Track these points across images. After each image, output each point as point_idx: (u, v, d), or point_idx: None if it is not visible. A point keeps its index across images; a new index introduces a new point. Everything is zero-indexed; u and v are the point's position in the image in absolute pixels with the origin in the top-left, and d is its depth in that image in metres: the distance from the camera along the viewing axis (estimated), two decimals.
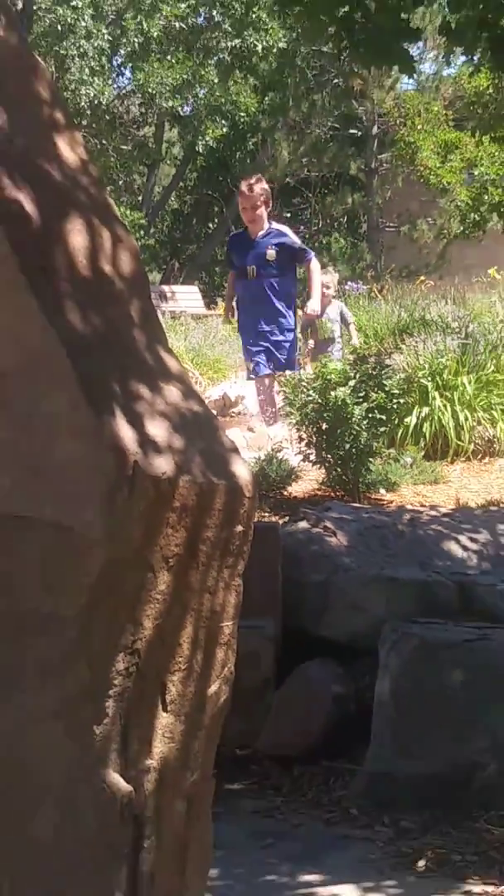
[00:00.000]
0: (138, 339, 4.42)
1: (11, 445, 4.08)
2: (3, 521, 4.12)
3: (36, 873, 4.20)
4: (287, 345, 13.26)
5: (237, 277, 14.14)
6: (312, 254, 13.91)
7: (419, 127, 22.15)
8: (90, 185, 4.51)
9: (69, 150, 4.51)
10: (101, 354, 4.18)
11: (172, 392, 4.38)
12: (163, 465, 4.10)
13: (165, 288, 29.82)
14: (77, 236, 4.29)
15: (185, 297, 25.03)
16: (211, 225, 24.21)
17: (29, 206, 4.13)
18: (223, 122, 22.86)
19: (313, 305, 13.53)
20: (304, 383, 9.04)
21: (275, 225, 13.75)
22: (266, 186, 13.25)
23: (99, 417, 4.01)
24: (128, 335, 4.38)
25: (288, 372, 12.33)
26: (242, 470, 4.48)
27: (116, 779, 4.13)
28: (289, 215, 26.11)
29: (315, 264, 14.08)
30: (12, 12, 4.62)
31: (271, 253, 13.13)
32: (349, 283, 21.37)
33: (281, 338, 13.08)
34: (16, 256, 4.04)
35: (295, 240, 13.53)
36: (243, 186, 13.61)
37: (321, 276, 15.11)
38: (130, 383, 4.22)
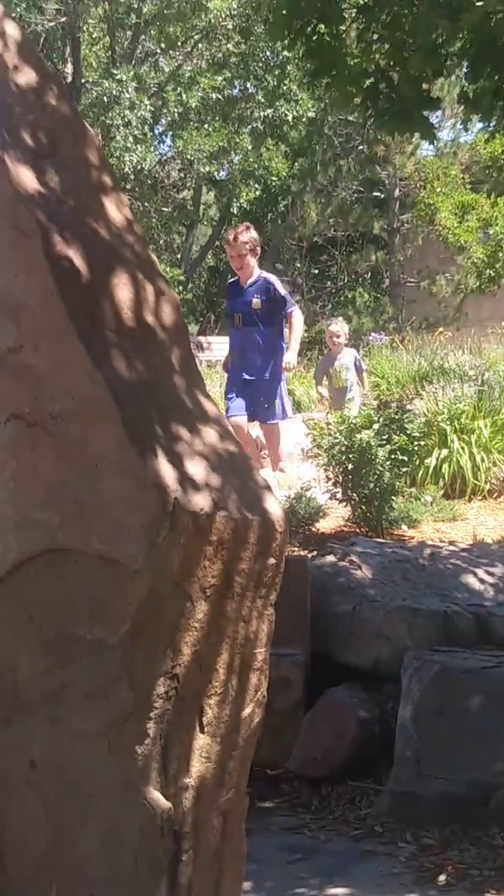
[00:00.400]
0: (179, 384, 4.45)
1: (61, 484, 4.12)
2: (53, 555, 4.16)
3: (81, 883, 4.21)
4: (270, 395, 12.58)
5: (230, 325, 13.69)
6: (295, 306, 13.41)
7: (438, 189, 22.18)
8: (135, 242, 4.55)
9: (116, 210, 4.55)
10: (144, 399, 4.21)
11: (210, 434, 4.41)
12: (201, 501, 4.12)
13: (202, 339, 29.88)
14: (123, 289, 4.33)
15: (220, 347, 25.10)
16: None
17: (78, 262, 4.17)
18: (256, 185, 22.89)
19: (289, 358, 12.85)
20: (330, 427, 9.10)
21: (263, 274, 13.21)
22: (254, 235, 13.02)
23: (142, 457, 4.04)
24: (169, 381, 4.41)
25: (275, 421, 12.48)
26: (275, 506, 4.49)
27: (157, 795, 4.14)
28: (316, 271, 26.12)
29: (297, 316, 13.17)
30: (63, 84, 4.68)
31: (256, 302, 12.68)
32: (372, 333, 21.39)
33: (264, 388, 12.52)
34: (66, 307, 4.08)
35: (280, 290, 12.90)
36: (229, 236, 13.22)
37: (335, 326, 15.55)
38: (171, 425, 4.25)
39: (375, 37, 5.95)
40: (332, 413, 11.65)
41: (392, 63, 5.89)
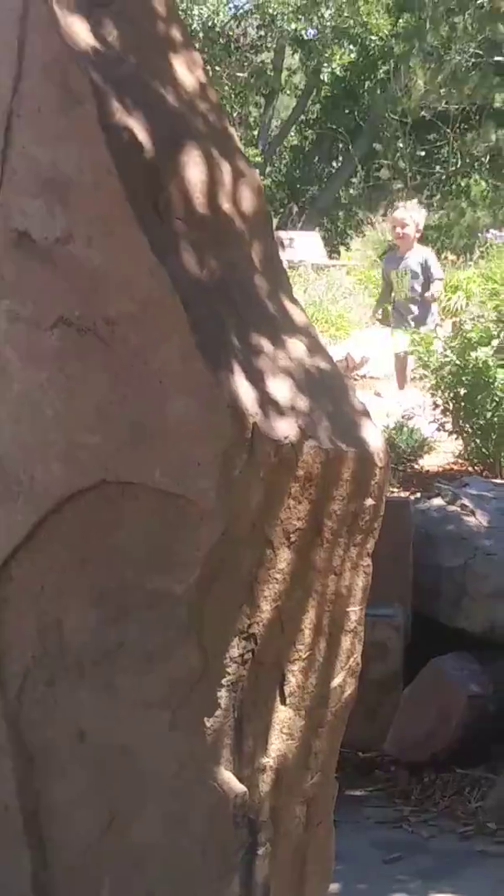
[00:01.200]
0: (260, 285, 4.37)
1: (116, 404, 4.07)
2: (107, 488, 4.13)
3: (138, 878, 4.21)
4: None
5: None
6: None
7: None
8: (209, 111, 4.45)
9: (187, 71, 4.46)
10: (218, 302, 4.13)
11: (297, 346, 4.33)
12: (285, 428, 4.05)
13: (283, 234, 29.58)
14: (194, 169, 4.24)
15: (304, 245, 24.99)
16: (335, 164, 24.03)
17: (141, 135, 4.09)
18: (351, 46, 22.67)
19: None
20: (441, 343, 8.97)
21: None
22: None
23: (215, 373, 3.97)
24: (248, 281, 4.33)
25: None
26: (374, 436, 4.42)
27: (229, 777, 4.11)
28: (423, 153, 25.76)
29: None
30: None
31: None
32: (490, 231, 21.17)
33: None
34: (125, 189, 4.01)
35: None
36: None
37: (402, 213, 14.49)
38: (250, 335, 4.17)
39: None
40: (393, 332, 11.51)
41: None
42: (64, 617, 4.23)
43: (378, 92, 24.41)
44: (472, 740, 6.27)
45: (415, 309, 12.65)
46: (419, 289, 12.95)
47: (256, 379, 4.07)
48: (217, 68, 24.25)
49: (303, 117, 24.07)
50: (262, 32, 21.61)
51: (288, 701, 4.28)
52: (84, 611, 4.20)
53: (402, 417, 8.94)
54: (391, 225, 14.26)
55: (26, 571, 4.28)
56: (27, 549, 4.25)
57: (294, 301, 4.57)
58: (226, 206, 4.35)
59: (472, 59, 24.55)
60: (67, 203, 4.10)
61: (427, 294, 12.87)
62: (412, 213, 13.70)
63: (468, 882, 5.38)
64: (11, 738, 4.31)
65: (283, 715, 4.27)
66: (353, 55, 22.82)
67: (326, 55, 22.80)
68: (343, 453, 4.23)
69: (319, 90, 23.51)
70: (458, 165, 25.20)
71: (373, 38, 22.02)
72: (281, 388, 4.12)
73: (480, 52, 24.29)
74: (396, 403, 10.01)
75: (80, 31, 4.13)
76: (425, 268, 13.04)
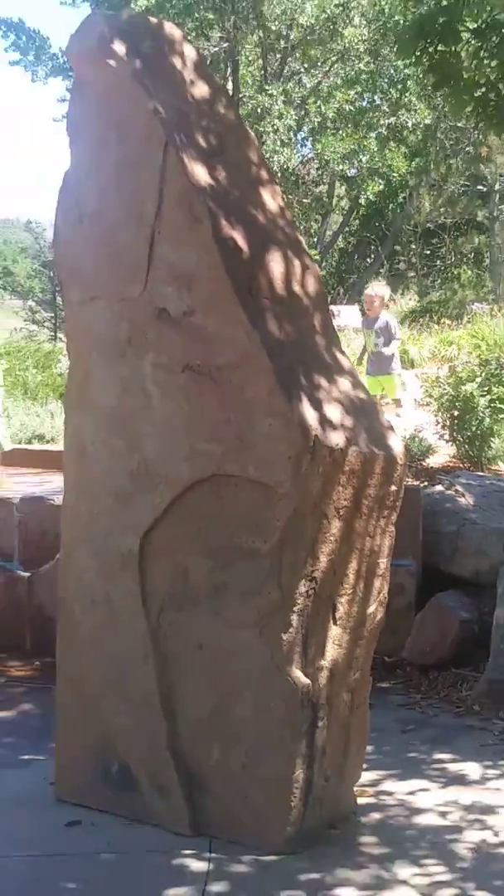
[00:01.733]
0: (319, 343, 4.46)
1: (224, 422, 4.16)
2: (217, 479, 4.22)
3: (237, 743, 4.28)
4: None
5: None
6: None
7: None
8: (286, 225, 4.56)
9: (271, 199, 4.55)
10: (291, 354, 4.22)
11: (344, 383, 4.41)
12: (337, 438, 4.13)
13: (333, 308, 29.51)
14: (275, 264, 4.34)
15: (347, 315, 24.75)
16: (368, 260, 24.02)
17: (240, 242, 4.19)
18: (380, 180, 22.54)
19: None
20: (440, 380, 9.04)
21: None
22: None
23: (289, 402, 4.06)
24: (311, 340, 4.42)
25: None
26: (397, 444, 4.49)
27: (299, 674, 4.19)
28: (428, 252, 25.64)
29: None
30: (230, 96, 4.68)
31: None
32: (475, 304, 21.05)
33: None
34: (230, 279, 4.11)
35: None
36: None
37: (370, 290, 13.18)
38: (313, 376, 4.27)
39: (486, 55, 5.86)
40: (365, 377, 11.11)
41: (500, 76, 5.81)
42: (188, 566, 4.33)
43: (398, 211, 24.34)
44: (462, 650, 6.29)
45: (380, 362, 11.66)
46: (381, 345, 11.89)
47: (317, 406, 4.15)
48: (289, 196, 24.15)
49: (347, 229, 24.06)
50: (320, 172, 21.61)
51: (338, 623, 4.36)
52: (201, 562, 4.30)
53: (415, 430, 8.92)
54: (365, 299, 12.93)
55: (162, 536, 4.37)
56: (163, 521, 4.34)
57: (342, 353, 4.63)
58: (297, 288, 4.44)
59: (462, 188, 24.49)
60: (191, 289, 4.20)
61: (385, 349, 11.79)
62: (378, 290, 12.72)
63: (460, 746, 5.40)
64: (153, 647, 4.39)
65: (335, 632, 4.35)
66: (381, 186, 22.72)
67: (363, 187, 22.70)
68: (376, 455, 4.30)
69: (358, 210, 23.45)
70: (452, 260, 25.05)
71: (395, 175, 21.98)
72: (333, 412, 4.21)
73: (468, 183, 24.25)
74: (410, 421, 9.96)
75: (200, 172, 4.22)
76: (386, 329, 11.94)
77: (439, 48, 5.71)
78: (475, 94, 5.77)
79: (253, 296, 4.19)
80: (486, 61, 5.81)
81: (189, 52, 4.61)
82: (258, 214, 4.40)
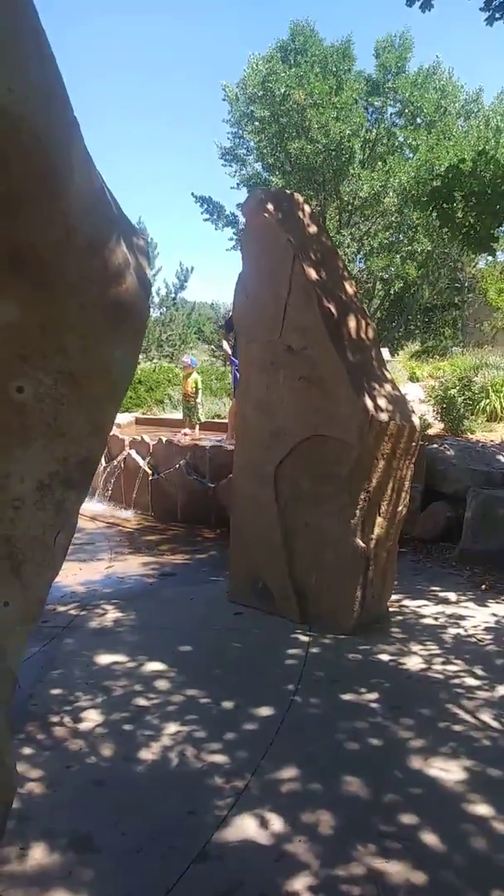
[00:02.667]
0: (374, 365, 4.36)
1: (323, 407, 4.11)
2: (317, 437, 4.15)
3: (326, 575, 4.26)
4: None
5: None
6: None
7: (488, 282, 20.97)
8: (356, 301, 4.44)
9: (349, 287, 4.44)
10: (359, 371, 4.14)
11: (388, 387, 4.31)
12: (384, 417, 4.05)
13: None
14: (351, 321, 4.25)
15: (384, 353, 24.24)
16: (393, 324, 23.35)
17: (333, 309, 4.12)
18: (400, 281, 21.86)
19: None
20: (440, 388, 8.82)
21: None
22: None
23: (359, 397, 4.00)
24: (370, 363, 4.32)
25: None
26: (416, 420, 4.39)
27: (359, 541, 4.14)
28: (427, 320, 24.79)
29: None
30: (318, 220, 4.56)
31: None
32: (453, 348, 20.35)
33: None
34: (326, 329, 4.05)
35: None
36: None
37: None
38: (371, 383, 4.18)
39: (469, 209, 5.62)
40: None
41: (476, 222, 5.57)
42: (300, 481, 4.30)
43: (411, 298, 23.51)
44: (447, 532, 6.13)
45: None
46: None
47: (373, 399, 4.07)
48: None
49: (382, 307, 23.16)
50: (369, 276, 20.86)
51: (381, 515, 4.28)
52: (307, 479, 4.26)
53: (421, 415, 8.64)
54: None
55: (285, 466, 4.34)
56: (287, 459, 4.31)
57: (386, 370, 4.52)
58: (362, 335, 4.34)
59: (447, 285, 23.49)
60: (305, 335, 4.14)
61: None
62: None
63: (445, 583, 5.25)
64: (280, 523, 4.39)
65: (379, 521, 4.28)
66: (401, 284, 22.02)
67: (392, 284, 22.01)
68: (405, 426, 4.20)
69: (388, 298, 22.77)
70: (440, 324, 24.22)
71: (409, 277, 21.26)
72: (382, 402, 4.12)
73: (450, 282, 23.26)
74: (418, 410, 9.67)
75: (311, 273, 4.14)
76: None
77: (444, 205, 5.50)
78: (463, 231, 5.56)
79: (339, 339, 4.12)
80: (468, 213, 5.58)
81: (306, 209, 4.52)
82: (342, 295, 4.31)
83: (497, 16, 5.05)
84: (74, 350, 1.38)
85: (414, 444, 4.35)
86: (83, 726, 3.07)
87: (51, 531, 1.40)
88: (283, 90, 18.72)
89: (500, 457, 6.80)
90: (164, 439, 7.80)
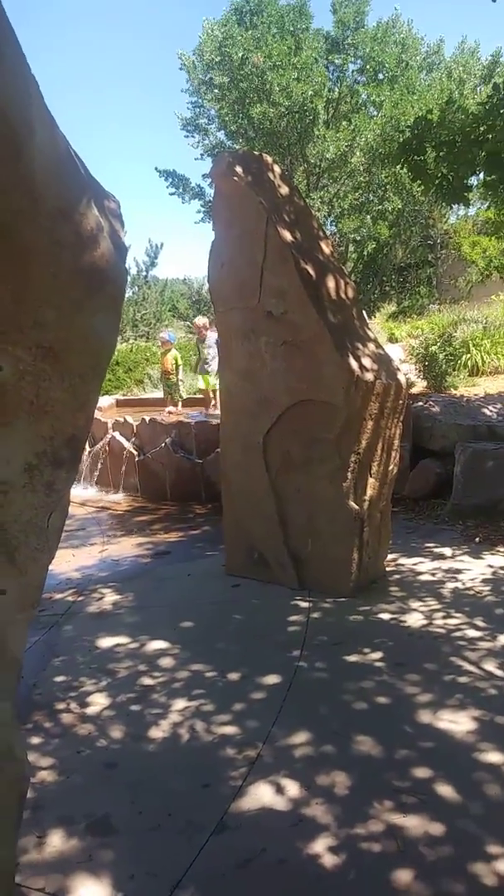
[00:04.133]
0: (357, 324, 4.29)
1: (305, 371, 4.04)
2: (304, 402, 4.09)
3: (321, 539, 4.24)
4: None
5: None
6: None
7: (462, 236, 20.83)
8: (335, 261, 4.35)
9: (326, 247, 4.35)
10: (341, 331, 4.07)
11: (371, 346, 4.25)
12: (370, 376, 4.00)
13: None
14: (330, 282, 4.17)
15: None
16: (368, 286, 22.95)
17: (311, 271, 4.03)
18: (373, 242, 21.58)
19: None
20: (420, 346, 8.77)
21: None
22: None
23: (343, 357, 3.93)
24: (352, 323, 4.25)
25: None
26: (402, 378, 4.33)
27: (352, 503, 4.12)
28: (401, 280, 24.61)
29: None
30: (300, 193, 4.46)
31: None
32: (430, 305, 20.26)
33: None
34: (306, 292, 3.96)
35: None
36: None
37: (198, 320, 9.59)
38: (355, 343, 4.12)
39: (440, 160, 5.51)
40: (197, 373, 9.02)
41: (449, 172, 5.47)
42: (289, 449, 4.25)
43: (384, 258, 23.25)
44: (438, 489, 6.09)
45: (205, 365, 8.70)
46: (206, 353, 8.75)
47: (357, 358, 4.01)
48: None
49: (355, 269, 22.82)
50: (341, 239, 20.48)
51: (372, 476, 4.26)
52: (296, 446, 4.21)
53: (404, 373, 8.58)
54: (195, 327, 9.77)
55: (274, 433, 4.28)
56: (275, 426, 4.26)
57: (369, 329, 4.45)
58: (342, 295, 4.26)
59: (419, 242, 23.33)
60: (284, 299, 4.06)
61: (209, 357, 8.64)
62: (202, 321, 9.37)
63: (439, 539, 5.27)
64: (272, 490, 4.35)
65: (371, 482, 4.26)
66: (374, 245, 21.76)
67: (364, 245, 21.75)
68: (391, 384, 4.16)
69: (361, 259, 22.43)
70: (415, 283, 24.05)
71: (381, 237, 20.97)
72: (367, 361, 4.06)
73: (422, 239, 23.07)
74: (403, 370, 9.59)
75: (286, 234, 4.04)
76: (209, 344, 8.59)
77: (414, 157, 5.39)
78: (435, 182, 5.45)
79: (319, 301, 4.04)
80: (440, 164, 5.47)
81: (276, 169, 4.40)
82: (319, 255, 4.22)
83: None
84: (51, 322, 1.31)
85: (401, 402, 4.30)
86: (90, 710, 3.04)
87: (43, 513, 1.34)
88: (240, 54, 18.25)
89: (485, 410, 6.80)
90: (147, 419, 7.70)
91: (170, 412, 8.72)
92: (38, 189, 1.31)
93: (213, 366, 8.49)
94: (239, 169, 4.19)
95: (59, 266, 1.31)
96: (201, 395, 9.06)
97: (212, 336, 8.86)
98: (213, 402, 8.48)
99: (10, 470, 1.30)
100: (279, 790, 2.48)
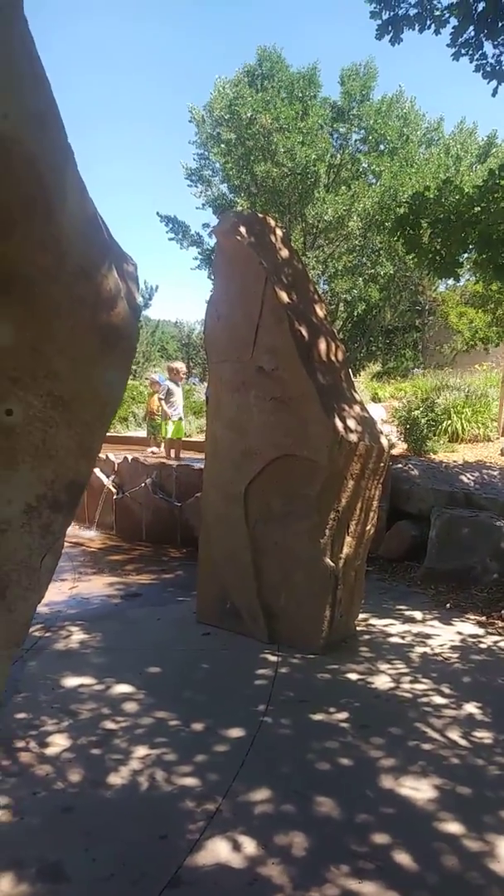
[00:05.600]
0: (344, 386, 4.42)
1: (291, 428, 4.15)
2: (287, 458, 4.18)
3: (295, 595, 4.28)
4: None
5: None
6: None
7: (448, 306, 21.46)
8: (327, 324, 4.51)
9: (320, 310, 4.51)
10: (329, 392, 4.20)
11: (357, 408, 4.37)
12: (353, 437, 4.12)
13: None
14: (322, 343, 4.32)
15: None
16: (355, 345, 23.29)
17: (304, 332, 4.18)
18: (363, 304, 22.11)
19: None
20: (403, 409, 8.98)
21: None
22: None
23: (329, 417, 4.05)
24: (340, 385, 4.38)
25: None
26: (384, 441, 4.45)
27: (328, 561, 4.18)
28: (388, 342, 25.22)
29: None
30: (290, 244, 4.63)
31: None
32: (414, 369, 20.75)
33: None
34: (297, 351, 4.10)
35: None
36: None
37: (174, 364, 8.81)
38: (341, 404, 4.24)
39: (435, 236, 5.78)
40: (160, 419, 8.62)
41: (442, 248, 5.73)
42: (270, 501, 4.32)
43: (373, 319, 23.87)
44: (412, 552, 6.20)
45: (171, 409, 8.33)
46: (172, 400, 8.40)
47: (342, 420, 4.13)
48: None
49: (345, 329, 23.24)
50: (333, 298, 20.95)
51: (349, 534, 4.33)
52: (277, 499, 4.28)
53: (386, 435, 8.78)
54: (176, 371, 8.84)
55: (256, 485, 4.34)
56: (258, 478, 4.33)
57: (356, 392, 4.58)
58: (332, 357, 4.40)
59: (408, 307, 24.03)
60: (276, 356, 4.19)
61: (174, 400, 8.47)
62: (178, 364, 8.78)
63: (411, 602, 5.30)
64: (250, 543, 4.39)
65: (347, 540, 4.33)
66: (364, 306, 22.36)
67: (355, 306, 22.32)
68: (373, 447, 4.27)
69: (351, 319, 22.92)
70: (401, 346, 24.64)
71: (371, 299, 21.54)
72: (351, 423, 4.18)
73: (411, 305, 23.78)
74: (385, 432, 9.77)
75: (283, 296, 4.19)
76: (175, 391, 8.50)
77: (410, 231, 5.65)
78: (429, 256, 5.71)
79: (310, 361, 4.18)
80: (434, 239, 5.74)
81: (279, 232, 4.60)
82: (313, 318, 4.37)
83: (462, 52, 5.24)
84: (65, 373, 1.39)
85: (382, 464, 4.41)
86: (50, 751, 3.01)
87: (37, 554, 1.40)
88: (249, 114, 19.02)
89: (463, 477, 6.96)
90: (129, 457, 7.74)
91: (153, 452, 8.77)
92: (63, 249, 1.41)
93: (179, 411, 8.32)
94: (243, 229, 4.37)
95: (77, 322, 1.40)
96: (195, 439, 9.03)
97: (180, 389, 8.63)
98: (160, 450, 8.31)
99: (10, 510, 1.36)
100: (236, 847, 2.46)
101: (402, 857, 2.43)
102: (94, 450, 1.45)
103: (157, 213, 23.29)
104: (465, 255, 5.92)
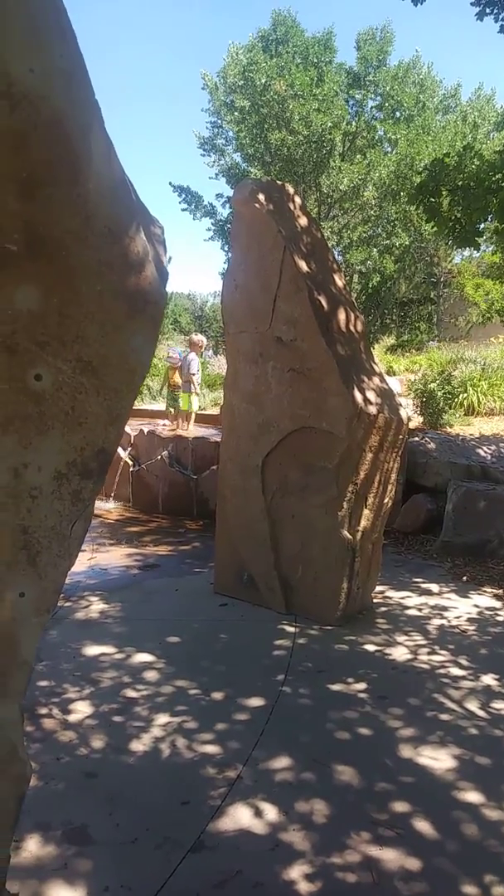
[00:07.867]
0: (364, 357, 4.37)
1: (310, 399, 4.12)
2: (305, 430, 4.17)
3: (312, 567, 4.29)
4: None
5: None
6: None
7: (464, 277, 21.11)
8: (346, 294, 4.45)
9: (339, 280, 4.44)
10: (348, 364, 4.15)
11: (376, 380, 4.32)
12: (373, 410, 4.07)
13: None
14: (341, 314, 4.26)
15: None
16: (370, 318, 22.92)
17: (323, 302, 4.12)
18: (379, 275, 21.78)
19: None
20: (419, 381, 8.87)
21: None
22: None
23: (348, 389, 4.01)
24: (359, 356, 4.33)
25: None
26: (403, 413, 4.40)
27: (346, 533, 4.17)
28: (402, 314, 24.94)
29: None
30: (318, 225, 4.54)
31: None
32: (429, 342, 20.50)
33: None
34: (316, 321, 4.04)
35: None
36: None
37: (193, 336, 8.91)
38: (360, 376, 4.19)
39: (455, 204, 5.65)
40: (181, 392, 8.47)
41: (462, 216, 5.61)
42: (287, 473, 4.31)
43: (388, 291, 23.55)
44: (428, 525, 6.17)
45: (188, 384, 8.32)
46: (191, 371, 8.34)
47: (362, 391, 4.08)
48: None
49: (360, 301, 22.92)
50: (348, 270, 20.65)
51: (367, 508, 4.31)
52: (295, 471, 4.27)
53: (404, 407, 8.67)
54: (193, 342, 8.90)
55: (273, 458, 4.34)
56: (275, 450, 4.32)
57: (376, 363, 4.53)
58: (351, 328, 4.34)
59: (422, 279, 23.68)
60: (295, 327, 4.14)
61: (193, 376, 8.37)
62: (200, 337, 8.89)
63: (427, 575, 5.30)
64: (267, 515, 4.39)
65: (365, 513, 4.31)
66: (378, 278, 22.02)
67: (370, 278, 22.01)
68: (392, 419, 4.22)
69: (366, 291, 22.57)
70: (416, 318, 24.36)
71: (386, 271, 21.24)
72: (371, 395, 4.14)
73: (426, 276, 23.44)
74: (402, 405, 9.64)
75: (302, 264, 4.13)
76: (194, 363, 8.39)
77: (430, 199, 5.53)
78: (449, 225, 5.59)
79: (329, 332, 4.13)
80: (454, 207, 5.61)
81: (297, 200, 4.51)
82: (332, 288, 4.30)
83: (487, 10, 5.06)
84: (93, 338, 1.36)
85: (401, 437, 4.37)
86: (73, 718, 3.05)
87: (67, 521, 1.38)
88: (263, 80, 18.60)
89: (480, 451, 6.90)
90: (145, 430, 7.74)
91: (164, 426, 8.75)
92: (90, 211, 1.37)
93: (193, 388, 8.22)
94: (261, 197, 4.28)
95: (105, 285, 1.36)
96: (210, 413, 8.96)
97: (197, 362, 8.58)
98: (185, 423, 8.24)
99: (40, 477, 1.34)
100: (258, 813, 2.49)
101: (422, 825, 2.45)
102: (123, 417, 1.43)
103: (170, 184, 22.97)
104: (485, 224, 5.79)
